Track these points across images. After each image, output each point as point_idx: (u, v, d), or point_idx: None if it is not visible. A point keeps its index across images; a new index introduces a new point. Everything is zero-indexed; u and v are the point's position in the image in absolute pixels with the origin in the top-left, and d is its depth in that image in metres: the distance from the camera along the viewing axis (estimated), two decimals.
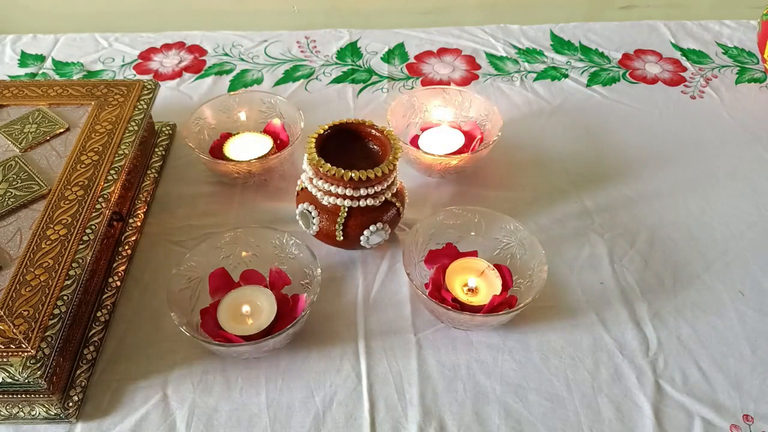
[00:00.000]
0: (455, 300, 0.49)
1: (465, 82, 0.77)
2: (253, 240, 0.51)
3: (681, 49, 0.82)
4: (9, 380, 0.39)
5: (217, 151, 0.62)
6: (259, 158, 0.59)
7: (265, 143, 0.62)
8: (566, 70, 0.78)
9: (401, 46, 0.83)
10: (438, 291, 0.50)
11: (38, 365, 0.39)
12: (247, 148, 0.61)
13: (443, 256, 0.53)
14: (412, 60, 0.81)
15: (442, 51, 0.82)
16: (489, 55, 0.81)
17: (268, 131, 0.64)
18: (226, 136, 0.63)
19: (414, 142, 0.63)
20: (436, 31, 0.86)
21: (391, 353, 0.48)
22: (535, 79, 0.77)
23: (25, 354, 0.39)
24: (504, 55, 0.81)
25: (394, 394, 0.46)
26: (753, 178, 0.63)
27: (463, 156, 0.59)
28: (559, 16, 0.90)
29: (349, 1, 0.94)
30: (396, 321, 0.50)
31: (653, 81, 0.77)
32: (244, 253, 0.51)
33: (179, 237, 0.56)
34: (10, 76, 0.77)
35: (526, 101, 0.73)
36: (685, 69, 0.79)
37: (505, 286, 0.51)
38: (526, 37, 0.84)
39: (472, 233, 0.54)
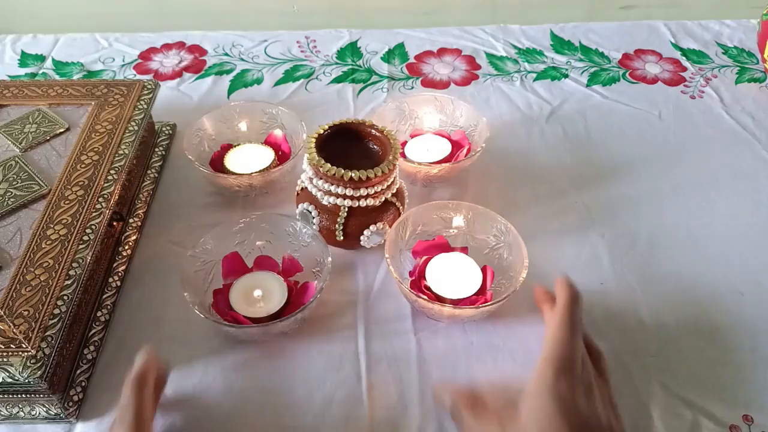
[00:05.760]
0: (428, 288, 0.49)
1: (465, 82, 0.77)
2: (265, 225, 0.52)
3: (681, 49, 0.82)
4: (9, 380, 0.39)
5: (217, 162, 0.60)
6: (260, 171, 0.58)
7: (267, 154, 0.60)
8: (566, 70, 0.78)
9: (401, 46, 0.83)
10: (418, 280, 0.51)
11: (38, 365, 0.39)
12: (248, 159, 0.60)
13: (432, 248, 0.52)
14: (412, 60, 0.81)
15: (442, 51, 0.82)
16: (489, 55, 0.81)
17: (269, 142, 0.62)
18: (227, 147, 0.62)
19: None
20: (437, 31, 0.86)
21: (391, 353, 0.48)
22: (535, 79, 0.77)
23: (25, 354, 0.39)
24: (504, 55, 0.81)
25: (394, 394, 0.45)
26: (753, 178, 0.63)
27: (444, 166, 0.58)
28: (559, 16, 0.90)
29: (349, 0, 0.94)
30: (396, 321, 0.50)
31: (653, 81, 0.77)
32: (258, 242, 0.52)
33: (179, 237, 0.56)
34: (10, 76, 0.77)
35: (526, 101, 0.73)
36: (685, 69, 0.79)
37: (483, 287, 0.50)
38: (526, 37, 0.84)
39: (464, 229, 0.53)
